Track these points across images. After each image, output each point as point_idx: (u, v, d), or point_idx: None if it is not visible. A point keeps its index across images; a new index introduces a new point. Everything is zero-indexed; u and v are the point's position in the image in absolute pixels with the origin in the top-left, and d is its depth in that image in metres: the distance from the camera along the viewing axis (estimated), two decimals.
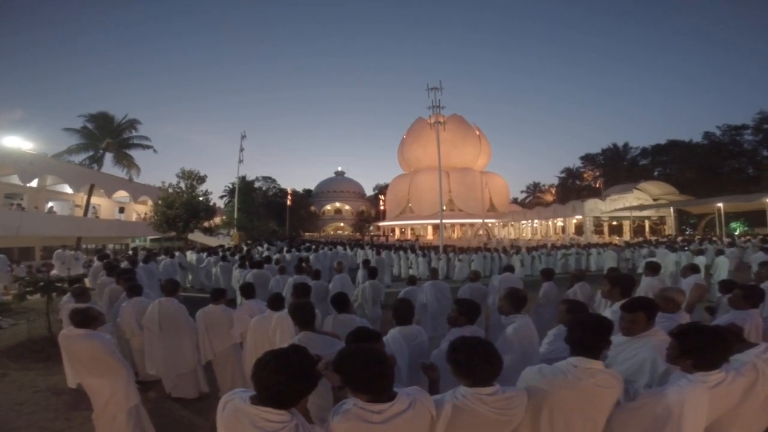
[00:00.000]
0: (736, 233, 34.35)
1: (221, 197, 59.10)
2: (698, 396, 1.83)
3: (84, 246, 25.05)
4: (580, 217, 36.27)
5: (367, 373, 1.60)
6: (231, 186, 53.56)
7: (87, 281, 9.06)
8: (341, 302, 3.71)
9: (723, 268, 10.05)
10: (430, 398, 1.74)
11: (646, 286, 5.56)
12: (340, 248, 20.89)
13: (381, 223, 60.20)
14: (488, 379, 1.80)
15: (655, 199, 35.84)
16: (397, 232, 55.00)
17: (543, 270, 6.49)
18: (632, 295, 3.44)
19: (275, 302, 4.02)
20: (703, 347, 1.92)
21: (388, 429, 1.57)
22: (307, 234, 63.10)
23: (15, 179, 22.20)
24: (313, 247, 18.76)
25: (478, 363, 1.79)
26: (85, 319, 3.41)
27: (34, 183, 24.28)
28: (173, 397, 4.73)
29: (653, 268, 5.76)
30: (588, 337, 1.97)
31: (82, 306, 3.72)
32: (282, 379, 1.51)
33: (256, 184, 61.58)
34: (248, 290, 4.85)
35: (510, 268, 7.28)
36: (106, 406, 3.37)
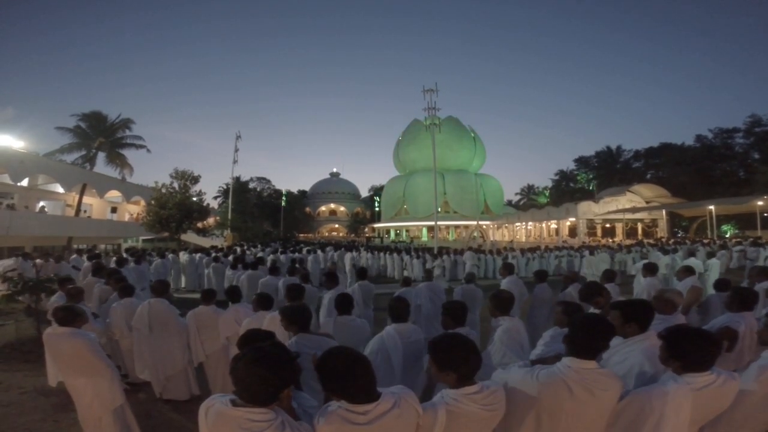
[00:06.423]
0: (727, 236, 34.72)
1: (215, 198, 58.87)
2: (681, 397, 1.84)
3: (75, 246, 24.74)
4: (573, 219, 36.51)
5: (346, 375, 1.57)
6: (225, 186, 53.37)
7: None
8: (343, 304, 3.63)
9: (715, 270, 10.13)
10: (414, 396, 1.72)
11: (647, 286, 5.56)
12: (342, 251, 18.18)
13: (376, 225, 60.05)
14: (470, 374, 1.81)
15: (647, 202, 36.12)
16: (392, 233, 54.95)
17: (536, 272, 6.26)
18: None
19: (264, 303, 3.95)
20: (690, 349, 1.95)
21: (375, 429, 1.54)
22: (301, 235, 62.87)
23: (5, 178, 21.88)
24: (306, 249, 18.53)
25: (457, 357, 1.80)
26: (69, 316, 3.32)
27: (24, 182, 23.97)
28: (164, 399, 4.65)
29: (651, 269, 5.79)
30: (588, 338, 1.95)
31: (64, 303, 3.61)
32: (258, 372, 1.48)
33: (251, 185, 61.43)
34: (234, 294, 4.72)
35: (510, 268, 6.63)
36: (90, 406, 3.29)
